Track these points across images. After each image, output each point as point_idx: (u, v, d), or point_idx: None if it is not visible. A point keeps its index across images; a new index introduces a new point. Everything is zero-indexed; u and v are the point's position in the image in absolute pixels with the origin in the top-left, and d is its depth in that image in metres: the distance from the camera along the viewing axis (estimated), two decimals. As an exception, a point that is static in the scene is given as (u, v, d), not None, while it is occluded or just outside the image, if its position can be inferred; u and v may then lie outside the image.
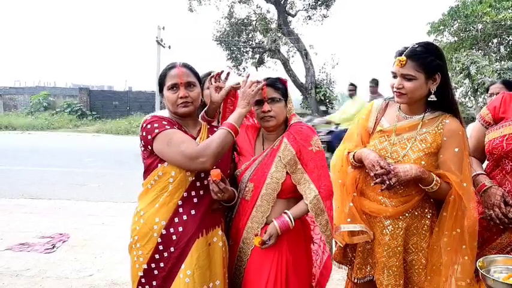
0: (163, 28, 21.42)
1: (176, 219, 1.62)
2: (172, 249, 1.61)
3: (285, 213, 1.70)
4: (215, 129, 1.73)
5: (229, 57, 20.71)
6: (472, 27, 18.04)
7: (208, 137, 1.70)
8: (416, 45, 1.60)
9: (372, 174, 1.63)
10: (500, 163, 1.71)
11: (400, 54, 1.60)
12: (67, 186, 6.48)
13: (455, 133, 1.62)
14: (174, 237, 1.61)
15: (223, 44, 20.25)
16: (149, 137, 1.59)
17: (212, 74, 1.84)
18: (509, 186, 1.68)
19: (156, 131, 1.58)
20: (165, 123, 1.62)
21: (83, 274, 3.20)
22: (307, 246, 1.85)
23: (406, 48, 1.61)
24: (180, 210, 1.63)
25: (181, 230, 1.62)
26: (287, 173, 1.71)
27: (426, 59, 1.58)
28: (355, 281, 1.81)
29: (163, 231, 1.61)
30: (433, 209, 1.70)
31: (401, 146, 1.69)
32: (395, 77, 1.64)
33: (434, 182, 1.59)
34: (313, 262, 1.88)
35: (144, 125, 1.63)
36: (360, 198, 1.76)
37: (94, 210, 5.05)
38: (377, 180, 1.60)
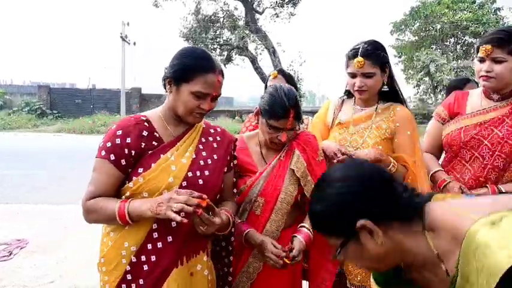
0: (128, 24, 20.87)
1: (149, 246, 1.35)
2: (141, 281, 1.34)
3: (303, 226, 1.65)
4: (211, 130, 1.53)
5: (196, 54, 20.41)
6: (432, 27, 18.87)
7: (199, 141, 1.46)
8: (366, 45, 1.74)
9: (334, 161, 1.71)
10: (459, 154, 1.84)
11: (355, 55, 1.73)
12: (26, 190, 6.14)
13: (406, 119, 1.80)
14: (145, 267, 1.34)
15: (190, 41, 19.96)
16: (96, 153, 1.38)
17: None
18: (469, 174, 1.82)
19: (102, 152, 1.36)
20: (113, 148, 1.33)
21: (43, 281, 3.04)
22: None
23: (356, 49, 1.74)
24: (155, 235, 1.35)
25: (154, 259, 1.34)
26: (299, 185, 1.66)
27: (379, 55, 1.75)
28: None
29: (133, 259, 1.34)
30: None
31: (359, 135, 1.82)
32: (353, 76, 1.77)
33: (392, 164, 1.72)
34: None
35: (107, 133, 1.40)
36: None
37: (56, 213, 4.81)
38: None
